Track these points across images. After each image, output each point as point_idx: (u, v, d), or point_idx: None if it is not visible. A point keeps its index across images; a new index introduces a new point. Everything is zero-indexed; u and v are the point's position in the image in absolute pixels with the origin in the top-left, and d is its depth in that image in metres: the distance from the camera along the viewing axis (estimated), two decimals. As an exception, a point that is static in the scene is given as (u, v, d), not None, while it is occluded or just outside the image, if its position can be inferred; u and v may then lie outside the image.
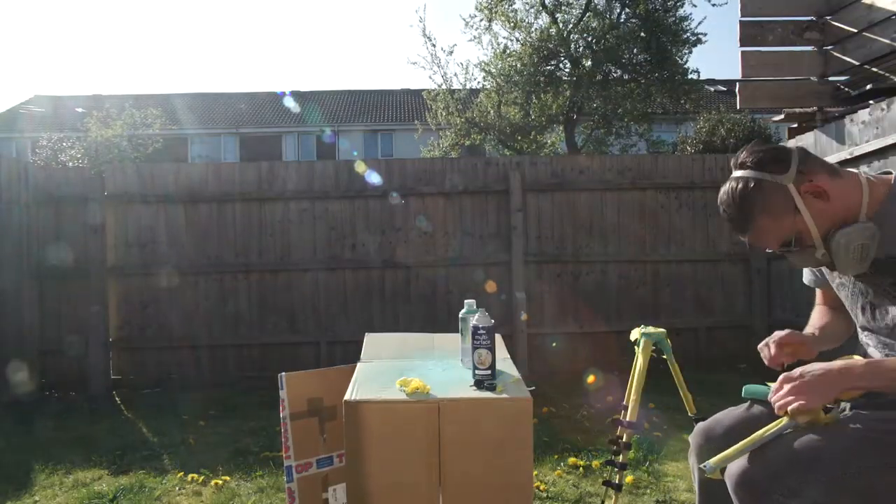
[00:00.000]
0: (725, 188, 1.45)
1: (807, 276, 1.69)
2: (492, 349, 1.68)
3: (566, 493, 2.90)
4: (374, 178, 5.74)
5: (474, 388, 1.66)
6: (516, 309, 5.59)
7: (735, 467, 1.38)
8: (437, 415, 1.54)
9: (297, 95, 25.06)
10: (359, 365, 1.88)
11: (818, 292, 1.72)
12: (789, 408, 1.34)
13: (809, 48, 5.62)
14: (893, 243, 1.38)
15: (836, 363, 1.38)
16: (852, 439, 1.33)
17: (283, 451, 2.11)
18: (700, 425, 1.65)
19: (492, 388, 1.63)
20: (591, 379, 4.97)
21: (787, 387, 1.36)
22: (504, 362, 1.84)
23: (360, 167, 5.75)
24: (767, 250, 1.50)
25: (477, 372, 1.67)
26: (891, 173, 1.45)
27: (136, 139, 15.44)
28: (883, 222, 1.38)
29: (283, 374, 2.13)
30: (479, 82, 14.73)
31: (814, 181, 1.38)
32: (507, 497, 1.57)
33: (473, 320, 1.74)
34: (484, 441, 1.56)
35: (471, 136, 14.38)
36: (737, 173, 1.44)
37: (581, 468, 3.19)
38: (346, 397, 1.57)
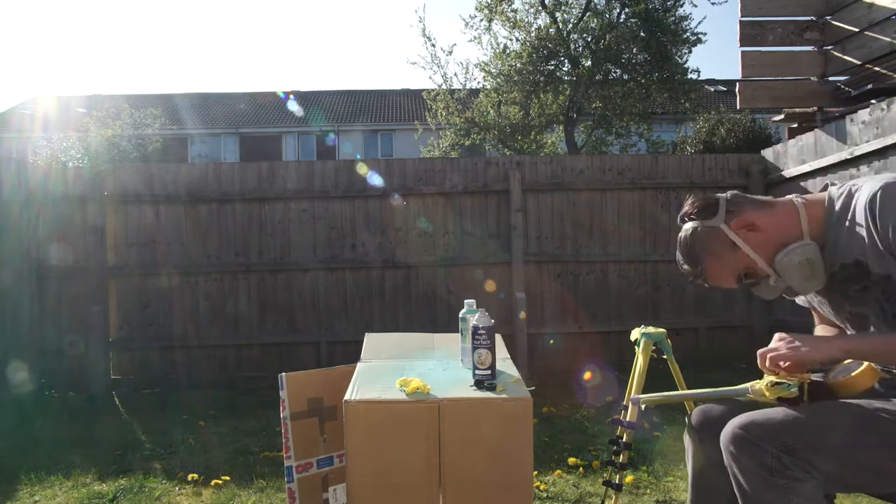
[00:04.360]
0: (678, 242, 1.59)
1: (799, 298, 1.72)
2: (492, 349, 1.68)
3: (566, 493, 2.90)
4: (376, 180, 5.74)
5: (474, 388, 1.66)
6: (516, 309, 5.59)
7: (733, 424, 1.40)
8: (437, 415, 1.54)
9: (297, 95, 25.05)
10: (359, 365, 1.88)
11: (815, 314, 1.75)
12: (783, 363, 1.42)
13: (809, 48, 5.62)
14: (840, 253, 1.45)
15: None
16: (864, 415, 1.37)
17: (284, 452, 2.11)
18: (699, 408, 1.69)
19: (492, 388, 1.63)
20: (587, 375, 4.98)
21: (782, 344, 1.44)
22: (504, 362, 1.84)
23: (361, 168, 5.75)
24: (728, 288, 1.59)
25: (477, 372, 1.67)
26: (825, 189, 1.52)
27: (136, 139, 15.43)
28: (827, 237, 1.47)
29: (283, 374, 2.12)
30: (478, 82, 14.74)
31: (742, 216, 1.50)
32: (507, 497, 1.57)
33: (473, 320, 1.73)
34: (484, 441, 1.56)
35: (471, 136, 14.38)
36: (682, 227, 1.59)
37: (581, 468, 3.19)
38: (346, 397, 1.57)
